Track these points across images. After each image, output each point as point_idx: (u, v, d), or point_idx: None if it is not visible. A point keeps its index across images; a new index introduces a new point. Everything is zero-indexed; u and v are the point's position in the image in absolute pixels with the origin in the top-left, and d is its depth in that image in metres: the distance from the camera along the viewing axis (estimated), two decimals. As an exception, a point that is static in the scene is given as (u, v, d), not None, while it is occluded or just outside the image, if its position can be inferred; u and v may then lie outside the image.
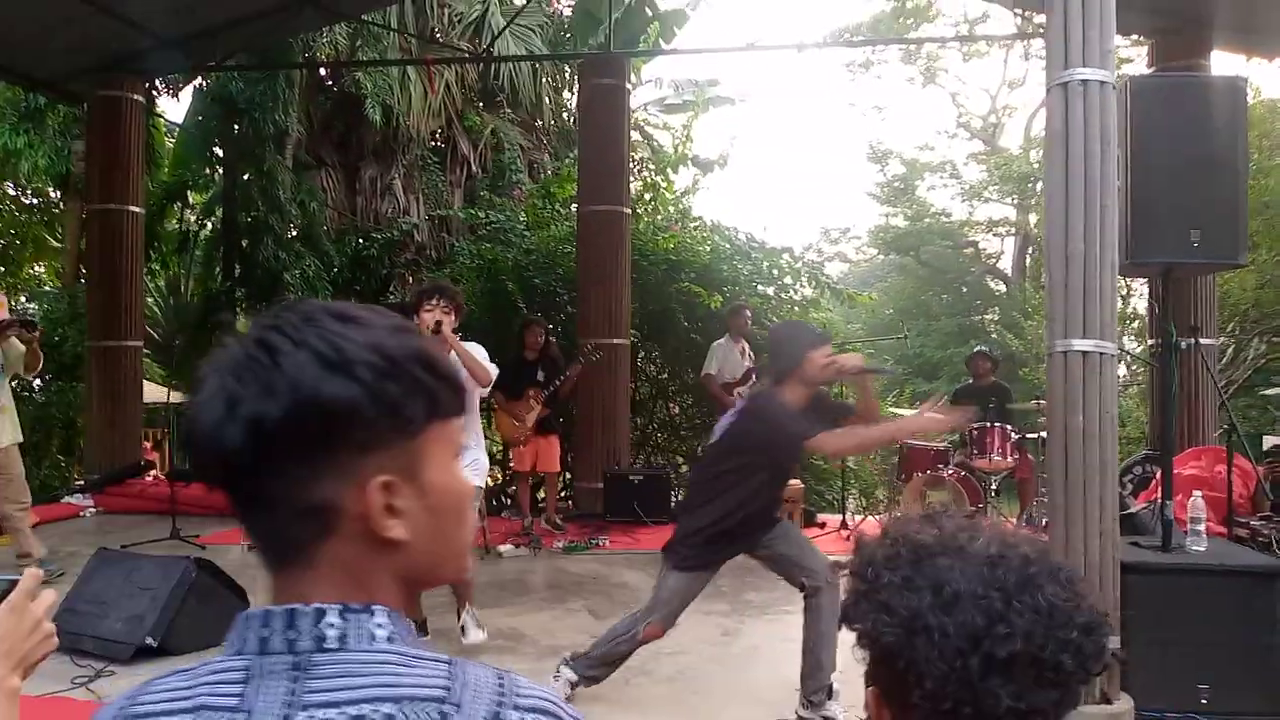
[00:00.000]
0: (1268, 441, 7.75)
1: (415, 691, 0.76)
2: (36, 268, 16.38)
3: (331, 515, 0.79)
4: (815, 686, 3.79)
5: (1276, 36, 8.26)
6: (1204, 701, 3.77)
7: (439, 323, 4.53)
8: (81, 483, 9.22)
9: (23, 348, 6.04)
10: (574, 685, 3.92)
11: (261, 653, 0.78)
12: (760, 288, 10.68)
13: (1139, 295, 16.33)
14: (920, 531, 0.97)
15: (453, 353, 4.52)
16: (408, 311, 8.18)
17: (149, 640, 4.41)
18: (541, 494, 8.92)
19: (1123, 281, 14.84)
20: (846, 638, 1.02)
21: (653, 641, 3.88)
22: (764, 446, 3.72)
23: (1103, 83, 3.71)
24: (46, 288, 15.53)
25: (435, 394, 0.82)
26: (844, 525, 8.03)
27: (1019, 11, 10.10)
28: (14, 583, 1.14)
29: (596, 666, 3.93)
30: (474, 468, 4.56)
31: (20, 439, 6.26)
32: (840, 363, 3.78)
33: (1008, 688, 0.88)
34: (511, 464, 8.04)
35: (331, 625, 0.78)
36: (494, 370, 4.77)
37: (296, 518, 0.79)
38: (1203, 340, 6.49)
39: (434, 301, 4.62)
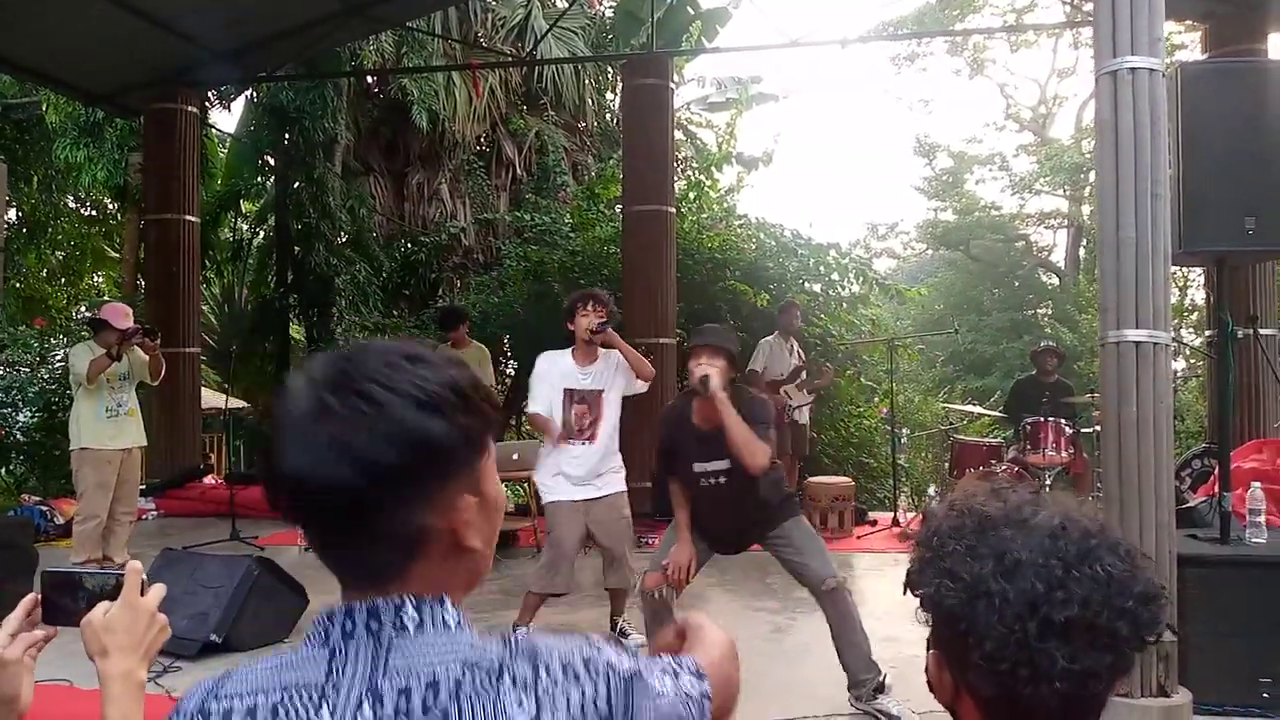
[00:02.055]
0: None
1: (480, 659, 0.86)
2: (95, 278, 16.75)
3: (426, 537, 0.89)
4: (856, 679, 3.83)
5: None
6: (1265, 696, 3.70)
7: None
8: (144, 486, 9.46)
9: (145, 356, 6.13)
10: None
11: (345, 637, 0.87)
12: (808, 284, 10.65)
13: (1197, 286, 15.97)
14: (986, 504, 1.01)
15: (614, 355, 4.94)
16: (456, 314, 8.37)
17: (213, 637, 4.52)
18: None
19: (1180, 272, 14.51)
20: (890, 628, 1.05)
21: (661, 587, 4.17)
22: None
23: (1152, 70, 3.67)
24: (105, 298, 15.88)
25: (490, 419, 0.93)
26: (895, 523, 7.99)
27: None
28: (120, 578, 1.18)
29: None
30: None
31: (144, 443, 6.39)
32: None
33: (1064, 650, 0.92)
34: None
35: (410, 614, 0.87)
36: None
37: (397, 544, 0.88)
38: (1262, 330, 6.36)
39: (588, 307, 4.70)
